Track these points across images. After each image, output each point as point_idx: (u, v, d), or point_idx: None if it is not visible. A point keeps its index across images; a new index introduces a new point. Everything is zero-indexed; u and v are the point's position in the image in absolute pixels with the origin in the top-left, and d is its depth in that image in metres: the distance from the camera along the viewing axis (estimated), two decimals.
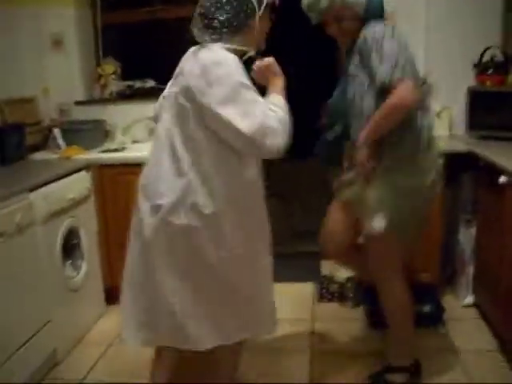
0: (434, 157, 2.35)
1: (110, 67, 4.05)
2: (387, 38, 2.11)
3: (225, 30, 1.96)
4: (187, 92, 1.90)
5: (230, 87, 1.85)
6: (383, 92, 2.13)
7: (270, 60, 2.04)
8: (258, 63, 2.05)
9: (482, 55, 3.42)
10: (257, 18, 1.99)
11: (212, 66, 1.87)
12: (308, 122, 6.35)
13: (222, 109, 1.84)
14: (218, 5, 1.95)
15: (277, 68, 2.05)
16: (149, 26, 4.37)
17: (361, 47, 2.19)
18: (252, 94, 1.88)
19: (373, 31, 2.15)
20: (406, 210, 2.29)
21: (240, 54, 2.01)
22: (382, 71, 2.08)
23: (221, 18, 1.95)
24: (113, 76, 4.05)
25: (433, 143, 2.33)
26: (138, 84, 4.05)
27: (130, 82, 4.09)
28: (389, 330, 2.54)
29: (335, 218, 2.57)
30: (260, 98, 1.90)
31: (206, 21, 1.97)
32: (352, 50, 2.29)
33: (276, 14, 2.12)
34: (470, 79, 3.47)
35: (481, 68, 3.41)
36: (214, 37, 1.97)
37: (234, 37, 1.98)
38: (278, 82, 2.04)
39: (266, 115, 1.87)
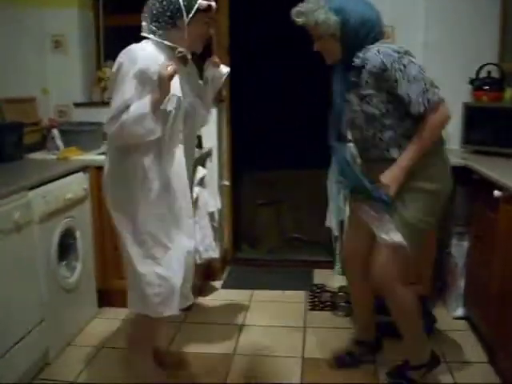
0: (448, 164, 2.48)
1: (111, 70, 4.06)
2: (410, 63, 2.23)
3: (154, 24, 2.24)
4: None
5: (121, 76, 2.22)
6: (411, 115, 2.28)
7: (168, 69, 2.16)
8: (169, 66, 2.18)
9: (478, 71, 3.48)
10: (185, 20, 2.21)
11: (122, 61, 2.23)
12: (300, 133, 6.38)
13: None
14: (154, 1, 2.24)
15: (165, 81, 2.16)
16: None
17: (377, 72, 2.25)
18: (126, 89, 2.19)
19: (390, 60, 2.22)
20: (428, 224, 2.42)
21: (172, 50, 2.28)
22: (417, 98, 2.22)
23: (151, 13, 2.23)
24: None
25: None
26: None
27: None
28: (402, 335, 2.56)
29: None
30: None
31: (145, 14, 2.28)
32: (348, 70, 2.35)
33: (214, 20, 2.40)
34: (466, 95, 3.53)
35: (477, 84, 3.46)
36: (147, 30, 2.27)
37: (162, 33, 2.24)
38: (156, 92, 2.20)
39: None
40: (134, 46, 2.26)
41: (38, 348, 2.74)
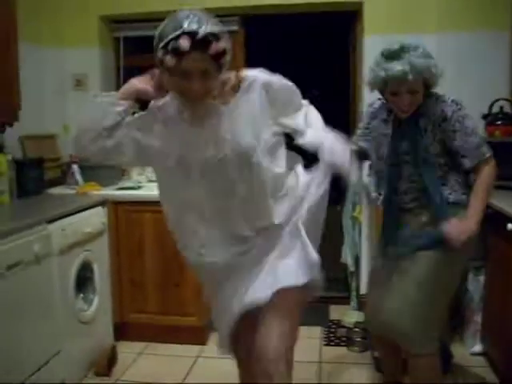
0: None
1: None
2: (467, 115, 2.24)
3: None
4: None
5: None
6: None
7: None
8: None
9: (490, 106, 3.51)
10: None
11: None
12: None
13: None
14: None
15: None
16: None
17: (435, 120, 2.23)
18: None
19: (451, 110, 2.23)
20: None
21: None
22: (473, 151, 2.23)
23: None
24: None
25: None
26: None
27: None
28: None
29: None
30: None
31: None
32: (412, 122, 2.27)
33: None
34: (479, 130, 3.54)
35: (490, 119, 3.50)
36: None
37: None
38: None
39: None
40: None
41: (55, 379, 2.75)
